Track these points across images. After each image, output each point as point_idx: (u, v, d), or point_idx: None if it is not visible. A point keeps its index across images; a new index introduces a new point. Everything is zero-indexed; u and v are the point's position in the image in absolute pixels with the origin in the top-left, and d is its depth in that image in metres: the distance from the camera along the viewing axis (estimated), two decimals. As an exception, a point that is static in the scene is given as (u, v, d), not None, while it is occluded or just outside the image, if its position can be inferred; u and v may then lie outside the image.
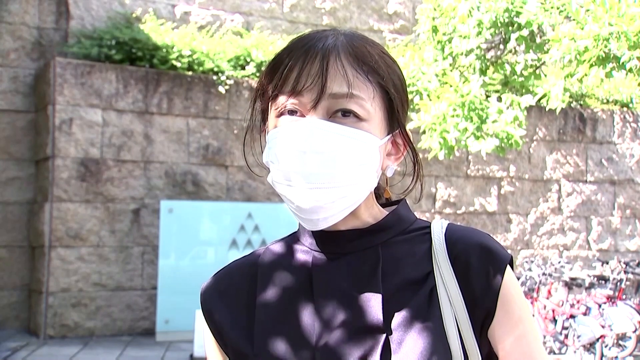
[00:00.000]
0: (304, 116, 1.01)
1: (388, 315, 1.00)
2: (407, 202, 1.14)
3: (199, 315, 7.03)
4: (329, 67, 0.99)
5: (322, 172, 0.99)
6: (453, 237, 1.04)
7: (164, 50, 9.08)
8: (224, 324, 1.09)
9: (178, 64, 9.05)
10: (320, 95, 0.99)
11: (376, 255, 1.05)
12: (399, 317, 1.00)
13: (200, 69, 9.22)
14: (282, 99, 1.02)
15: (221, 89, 9.14)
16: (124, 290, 8.70)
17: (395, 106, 1.05)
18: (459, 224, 1.11)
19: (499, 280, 1.00)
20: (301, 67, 1.00)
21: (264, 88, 1.06)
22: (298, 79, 1.00)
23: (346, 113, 1.00)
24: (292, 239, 1.13)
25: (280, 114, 1.03)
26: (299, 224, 1.09)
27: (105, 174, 8.62)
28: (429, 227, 1.08)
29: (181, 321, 8.05)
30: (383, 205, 1.13)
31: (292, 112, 1.02)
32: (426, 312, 1.00)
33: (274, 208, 8.94)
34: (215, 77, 9.17)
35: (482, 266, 1.01)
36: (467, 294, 1.00)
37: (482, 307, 1.00)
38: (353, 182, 1.01)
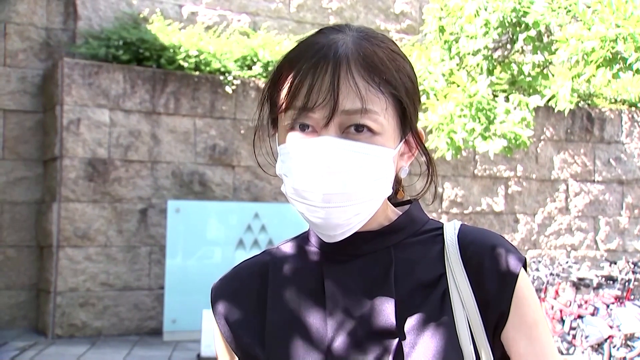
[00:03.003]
0: (316, 132, 0.98)
1: (401, 318, 0.99)
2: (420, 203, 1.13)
3: (206, 315, 7.04)
4: (340, 82, 0.96)
5: (337, 192, 0.97)
6: (466, 239, 1.03)
7: (171, 50, 9.09)
8: (235, 325, 1.08)
9: (185, 64, 9.06)
10: (332, 113, 0.96)
11: (389, 258, 1.04)
12: (411, 321, 0.99)
13: (207, 69, 9.23)
14: (293, 114, 0.99)
15: (228, 89, 9.15)
16: (131, 290, 8.72)
17: (408, 113, 1.03)
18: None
19: (513, 283, 1.00)
20: (311, 83, 0.97)
21: (273, 98, 1.04)
22: (309, 96, 0.97)
23: (359, 128, 0.98)
24: (302, 240, 1.12)
25: (292, 128, 1.00)
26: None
27: (112, 174, 8.64)
28: (442, 228, 1.07)
29: (188, 321, 8.07)
30: (394, 205, 1.12)
31: (303, 127, 0.99)
32: (439, 315, 0.99)
33: (280, 208, 8.94)
34: (222, 77, 9.18)
35: (495, 268, 1.00)
36: (479, 296, 1.00)
37: (496, 310, 1.00)
38: (369, 199, 1.00)
